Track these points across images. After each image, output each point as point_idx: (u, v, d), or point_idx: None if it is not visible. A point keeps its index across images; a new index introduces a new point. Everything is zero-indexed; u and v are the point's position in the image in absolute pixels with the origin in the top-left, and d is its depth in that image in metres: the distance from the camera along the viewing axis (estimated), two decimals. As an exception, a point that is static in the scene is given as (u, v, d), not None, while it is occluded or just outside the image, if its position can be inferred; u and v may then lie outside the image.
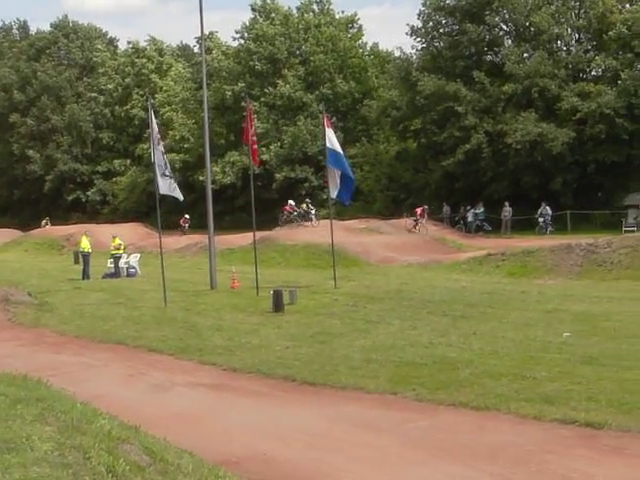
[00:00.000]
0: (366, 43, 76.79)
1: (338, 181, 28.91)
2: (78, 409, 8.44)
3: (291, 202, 54.59)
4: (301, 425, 11.17)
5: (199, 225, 54.65)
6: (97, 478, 6.07)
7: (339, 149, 29.40)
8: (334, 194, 29.81)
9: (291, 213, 53.95)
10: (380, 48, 77.00)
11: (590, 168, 53.77)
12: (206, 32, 72.57)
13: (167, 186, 27.28)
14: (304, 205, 54.13)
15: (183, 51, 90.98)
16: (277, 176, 66.39)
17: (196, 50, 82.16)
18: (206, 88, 35.17)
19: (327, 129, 29.83)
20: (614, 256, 29.79)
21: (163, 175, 27.10)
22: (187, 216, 60.41)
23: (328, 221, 34.13)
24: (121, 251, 37.87)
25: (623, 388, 11.74)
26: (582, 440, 9.71)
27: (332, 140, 29.26)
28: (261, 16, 73.64)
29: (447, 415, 11.12)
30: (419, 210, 50.92)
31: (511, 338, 16.80)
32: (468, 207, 54.71)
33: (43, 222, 70.86)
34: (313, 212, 53.26)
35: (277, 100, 69.29)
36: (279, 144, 67.26)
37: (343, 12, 76.00)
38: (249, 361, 15.71)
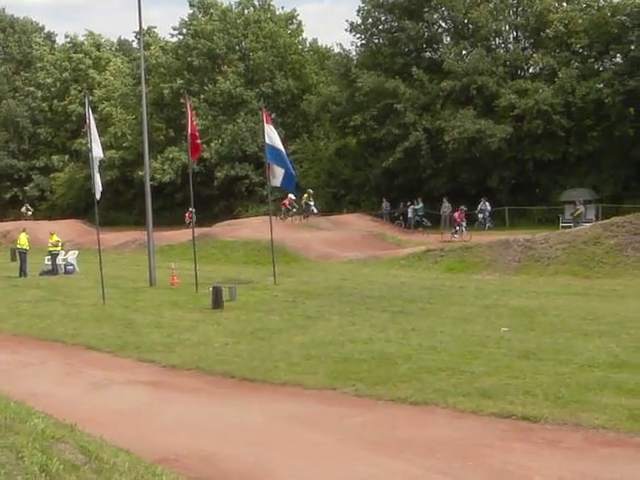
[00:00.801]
0: (306, 39, 76.82)
1: (278, 173, 28.88)
2: (12, 408, 8.31)
3: (291, 196, 52.87)
4: (240, 421, 11.14)
5: (139, 222, 54.32)
6: (30, 477, 5.98)
7: (279, 145, 29.26)
8: (276, 183, 29.80)
9: (290, 209, 53.14)
10: (320, 44, 77.08)
11: (527, 165, 54.37)
12: (145, 27, 72.13)
13: (97, 182, 26.93)
14: (305, 195, 52.55)
15: (122, 46, 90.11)
16: (217, 174, 66.13)
17: (135, 45, 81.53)
18: (145, 84, 34.81)
19: (267, 125, 29.69)
20: (551, 251, 30.15)
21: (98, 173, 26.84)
22: (192, 210, 58.14)
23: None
24: (59, 248, 37.43)
25: (559, 382, 11.87)
26: (519, 433, 9.79)
27: (272, 137, 29.13)
28: (200, 11, 73.29)
29: (385, 410, 11.15)
30: (457, 214, 47.76)
31: (449, 333, 16.90)
32: (408, 203, 54.94)
33: (23, 208, 67.57)
34: (312, 205, 52.34)
35: (217, 97, 68.97)
36: (219, 141, 66.96)
37: (283, 8, 76.01)
38: (188, 358, 15.62)
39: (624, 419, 9.85)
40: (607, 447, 9.14)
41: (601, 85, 52.96)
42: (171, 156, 66.63)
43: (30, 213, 66.81)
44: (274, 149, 28.90)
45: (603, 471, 8.40)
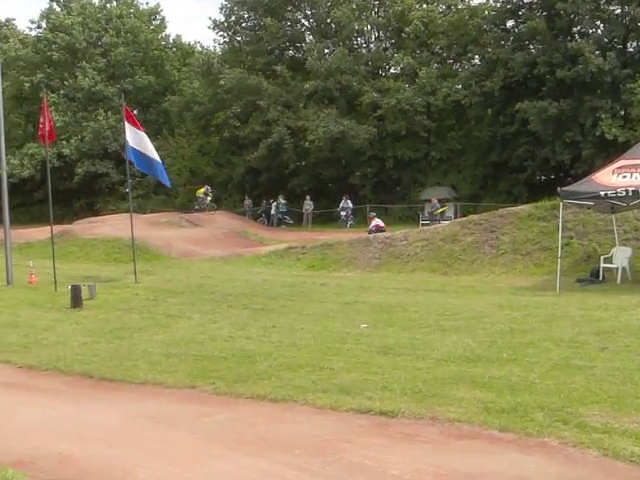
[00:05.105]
0: (169, 35, 76.24)
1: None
2: None
3: (208, 187, 53.05)
4: (98, 422, 10.96)
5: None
6: None
7: (145, 149, 28.60)
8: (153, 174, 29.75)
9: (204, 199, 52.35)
10: (183, 41, 76.54)
11: (389, 163, 55.12)
12: (2, 19, 70.43)
13: None
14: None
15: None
16: (77, 170, 65.03)
17: (-7, 37, 79.46)
18: (2, 77, 33.91)
19: (128, 125, 29.11)
20: (410, 249, 30.64)
21: None
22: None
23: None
24: None
25: (416, 377, 12.04)
26: (376, 428, 9.89)
27: (136, 139, 28.56)
28: (59, 5, 71.92)
29: (245, 408, 11.14)
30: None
31: (310, 330, 16.99)
32: (271, 200, 55.10)
33: (202, 190, 55.37)
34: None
35: (77, 92, 67.79)
36: (79, 137, 65.80)
37: (147, 3, 75.26)
38: (45, 358, 15.30)
39: (478, 412, 10.07)
40: (462, 440, 9.32)
41: (459, 86, 54.14)
42: (30, 152, 65.11)
43: (209, 200, 55.51)
44: (139, 153, 28.38)
45: (458, 463, 8.56)
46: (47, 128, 28.71)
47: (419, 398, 10.89)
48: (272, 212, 54.36)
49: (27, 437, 10.34)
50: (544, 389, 11.02)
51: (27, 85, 67.38)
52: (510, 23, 53.57)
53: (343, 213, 51.52)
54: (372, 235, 37.85)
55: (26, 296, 25.60)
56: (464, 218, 33.53)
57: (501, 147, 52.27)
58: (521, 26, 51.51)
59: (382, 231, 38.65)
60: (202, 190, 52.85)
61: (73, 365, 14.55)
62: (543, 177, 53.15)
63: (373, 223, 39.98)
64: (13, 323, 20.21)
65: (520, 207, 31.47)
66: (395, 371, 12.57)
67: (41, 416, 11.49)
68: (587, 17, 49.67)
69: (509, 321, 17.14)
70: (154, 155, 28.85)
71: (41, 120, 28.97)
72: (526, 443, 8.99)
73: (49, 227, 31.32)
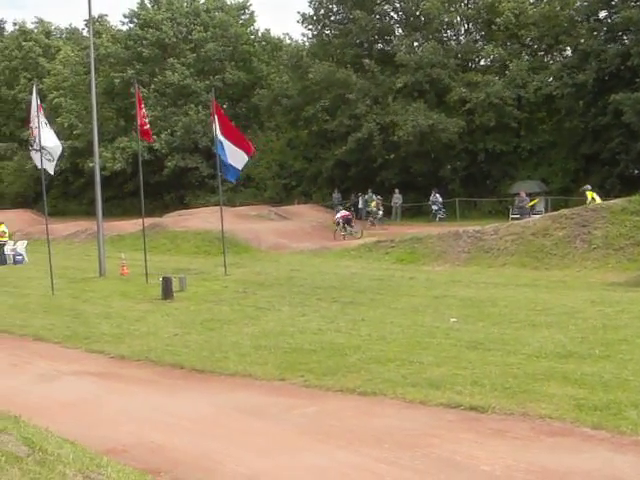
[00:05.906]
0: (258, 30, 76.52)
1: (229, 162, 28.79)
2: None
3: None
4: (189, 412, 11.10)
5: (89, 212, 53.71)
6: (-29, 470, 5.92)
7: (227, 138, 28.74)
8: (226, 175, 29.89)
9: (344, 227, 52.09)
10: (272, 35, 76.68)
11: (479, 156, 54.62)
12: (95, 15, 71.48)
13: (38, 160, 26.60)
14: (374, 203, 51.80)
15: (72, 34, 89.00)
16: (167, 164, 65.77)
17: (85, 33, 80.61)
18: (95, 73, 34.41)
19: (216, 118, 29.30)
20: (500, 243, 30.28)
21: (34, 150, 26.60)
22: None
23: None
24: (6, 238, 37.16)
25: (506, 372, 11.93)
26: (466, 423, 9.83)
27: (219, 129, 28.74)
28: (150, 1, 72.78)
29: (334, 401, 11.15)
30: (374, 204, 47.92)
31: (399, 324, 16.94)
32: (359, 194, 55.04)
33: (374, 203, 51.76)
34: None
35: (167, 87, 68.53)
36: (169, 132, 66.49)
37: (236, -1, 75.64)
38: (137, 349, 15.55)
39: (570, 409, 9.93)
40: (553, 437, 9.20)
41: (550, 78, 53.39)
42: (122, 145, 66.15)
43: (381, 213, 52.65)
44: (221, 142, 28.57)
45: (549, 460, 8.45)
46: (140, 125, 29.14)
47: (510, 394, 10.78)
48: (360, 206, 54.29)
49: (120, 426, 10.51)
50: (638, 387, 10.83)
51: (117, 81, 68.42)
52: (603, 14, 52.60)
53: (434, 207, 51.27)
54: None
55: (118, 287, 26.03)
56: (555, 212, 32.99)
57: (593, 139, 51.36)
58: (614, 17, 50.57)
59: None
60: (374, 203, 52.13)
61: (164, 356, 14.75)
62: (637, 171, 52.07)
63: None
64: (106, 314, 20.58)
65: (613, 201, 30.88)
66: (485, 366, 12.47)
67: (133, 405, 11.67)
68: (683, 6, 48.56)
69: (601, 317, 16.86)
70: (234, 161, 28.92)
71: (140, 116, 29.35)
72: (619, 442, 8.83)
73: (140, 220, 31.75)
